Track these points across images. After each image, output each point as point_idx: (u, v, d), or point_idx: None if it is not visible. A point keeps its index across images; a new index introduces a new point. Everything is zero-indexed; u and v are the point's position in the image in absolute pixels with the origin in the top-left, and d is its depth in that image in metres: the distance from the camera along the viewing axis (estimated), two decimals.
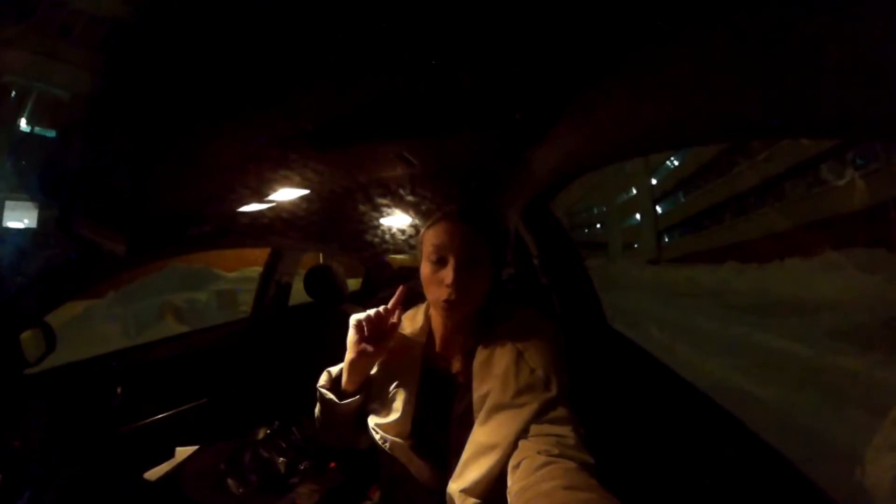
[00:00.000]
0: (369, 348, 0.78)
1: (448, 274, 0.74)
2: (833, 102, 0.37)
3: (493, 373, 0.73)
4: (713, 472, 0.78)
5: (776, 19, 0.36)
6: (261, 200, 1.37)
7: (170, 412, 1.74)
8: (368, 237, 1.83)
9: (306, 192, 1.32)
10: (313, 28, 0.65)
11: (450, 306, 0.75)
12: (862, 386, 3.56)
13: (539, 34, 0.63)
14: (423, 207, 1.29)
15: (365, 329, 0.79)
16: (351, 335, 0.80)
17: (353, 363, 0.80)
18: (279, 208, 1.43)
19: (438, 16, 0.61)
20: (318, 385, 0.85)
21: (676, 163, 19.48)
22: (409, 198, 1.29)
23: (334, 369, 0.87)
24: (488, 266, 0.78)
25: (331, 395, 0.81)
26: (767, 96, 0.43)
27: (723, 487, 0.76)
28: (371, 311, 0.81)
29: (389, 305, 0.82)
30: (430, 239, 0.78)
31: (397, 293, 0.82)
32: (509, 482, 0.62)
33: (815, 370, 4.02)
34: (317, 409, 0.86)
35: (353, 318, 0.81)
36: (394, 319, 0.82)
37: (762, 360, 4.48)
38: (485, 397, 0.72)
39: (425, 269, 0.78)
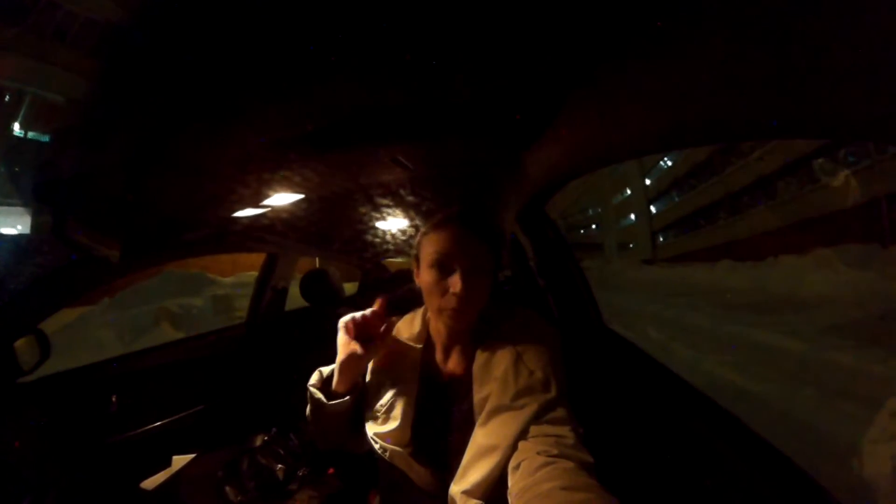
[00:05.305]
0: (358, 350, 0.78)
1: (456, 282, 0.72)
2: (832, 103, 0.38)
3: (493, 375, 0.73)
4: (711, 470, 0.79)
5: (775, 20, 0.36)
6: (256, 204, 1.36)
7: (166, 420, 1.72)
8: (366, 238, 1.83)
9: (301, 195, 1.31)
10: (313, 28, 0.64)
11: (456, 315, 0.74)
12: (858, 380, 3.58)
13: (534, 38, 0.63)
14: (423, 208, 1.29)
15: (352, 330, 0.79)
16: (340, 336, 0.80)
17: (343, 364, 0.80)
18: (275, 212, 1.42)
19: (437, 17, 0.61)
20: (308, 384, 0.84)
21: (670, 163, 19.64)
22: (408, 199, 1.29)
23: (326, 369, 0.87)
24: (490, 271, 0.77)
25: (319, 395, 0.80)
26: (766, 97, 0.43)
27: (721, 485, 0.76)
28: (357, 314, 0.81)
29: (373, 311, 0.81)
30: (432, 244, 0.76)
31: (378, 303, 0.81)
32: (510, 483, 0.62)
33: (811, 366, 4.05)
34: (307, 409, 0.85)
35: (341, 320, 0.81)
36: (382, 327, 0.81)
37: (758, 357, 4.51)
38: (485, 400, 0.72)
39: (427, 275, 0.76)
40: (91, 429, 1.51)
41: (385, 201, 1.37)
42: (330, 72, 0.75)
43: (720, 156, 15.49)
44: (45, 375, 1.40)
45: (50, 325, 1.29)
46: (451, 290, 0.73)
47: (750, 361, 4.43)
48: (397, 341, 0.85)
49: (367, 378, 0.86)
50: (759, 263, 9.91)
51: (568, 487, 0.54)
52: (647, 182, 21.71)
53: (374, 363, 0.85)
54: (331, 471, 1.46)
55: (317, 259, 2.94)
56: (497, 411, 0.69)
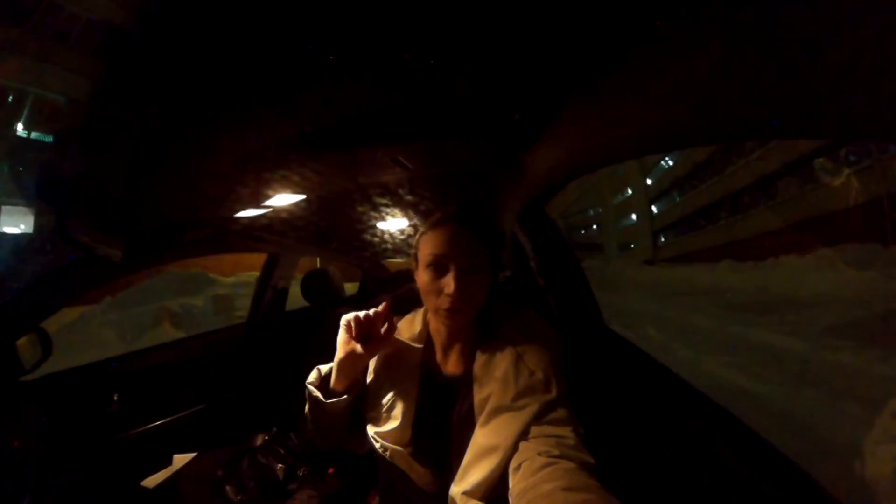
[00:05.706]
0: (358, 349, 0.78)
1: (449, 282, 0.72)
2: (833, 103, 0.37)
3: (494, 375, 0.73)
4: (711, 470, 0.78)
5: (775, 20, 0.36)
6: (257, 205, 1.36)
7: (167, 419, 1.72)
8: (366, 238, 1.83)
9: (303, 196, 1.32)
10: (312, 28, 0.64)
11: (452, 315, 0.74)
12: (859, 381, 3.58)
13: (534, 36, 0.63)
14: (422, 208, 1.29)
15: (353, 329, 0.79)
16: (341, 334, 0.80)
17: (341, 363, 0.80)
18: (275, 212, 1.42)
19: (436, 16, 0.61)
20: (306, 381, 0.84)
21: (671, 163, 19.61)
22: (407, 198, 1.29)
23: (324, 367, 0.87)
24: (487, 270, 0.77)
25: (317, 393, 0.80)
26: (766, 97, 0.43)
27: (721, 485, 0.76)
28: (360, 312, 0.81)
29: (376, 312, 0.81)
30: (428, 245, 0.77)
31: (383, 305, 0.81)
32: (511, 483, 0.62)
33: (812, 366, 4.05)
34: (306, 407, 0.85)
35: (344, 318, 0.81)
36: (384, 327, 0.81)
37: (760, 358, 4.51)
38: (486, 400, 0.72)
39: (423, 276, 0.76)
40: (92, 427, 1.51)
41: (385, 201, 1.37)
42: (329, 71, 0.75)
43: (720, 156, 15.46)
44: (47, 374, 1.40)
45: (51, 324, 1.29)
46: (446, 290, 0.73)
47: (751, 362, 4.43)
48: (398, 341, 0.85)
49: (368, 378, 0.86)
50: (761, 263, 9.91)
51: (569, 488, 0.54)
52: (648, 182, 21.68)
53: (374, 363, 0.85)
54: (331, 470, 1.46)
55: (318, 259, 2.94)
56: (498, 411, 0.69)
